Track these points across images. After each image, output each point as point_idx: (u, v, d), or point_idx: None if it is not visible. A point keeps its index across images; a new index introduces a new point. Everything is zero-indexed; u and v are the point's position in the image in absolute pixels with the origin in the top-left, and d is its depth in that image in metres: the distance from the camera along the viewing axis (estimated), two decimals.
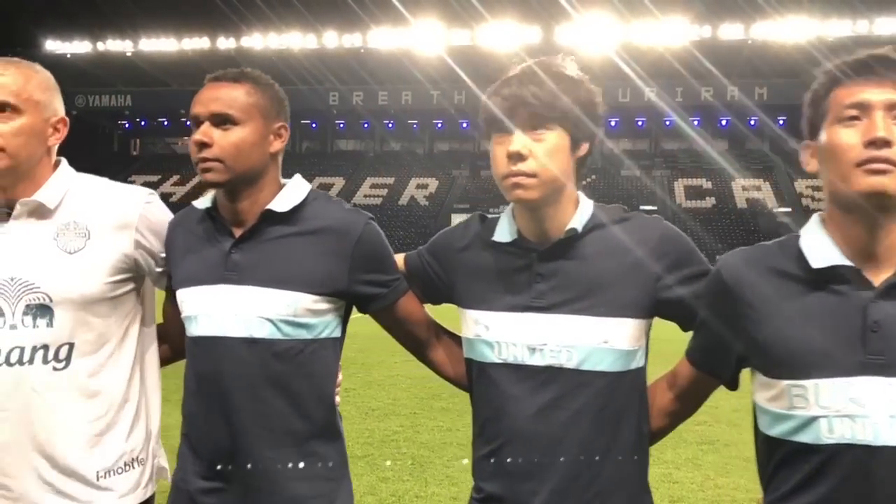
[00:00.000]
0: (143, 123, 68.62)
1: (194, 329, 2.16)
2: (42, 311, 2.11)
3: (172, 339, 2.38)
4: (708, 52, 52.61)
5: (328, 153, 67.66)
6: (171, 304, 2.33)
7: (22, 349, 2.09)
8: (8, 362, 2.08)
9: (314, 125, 66.74)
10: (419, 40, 59.26)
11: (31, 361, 2.09)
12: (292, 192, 2.21)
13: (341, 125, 66.88)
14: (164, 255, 2.27)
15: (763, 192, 54.55)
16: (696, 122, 58.94)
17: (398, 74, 61.93)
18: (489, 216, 2.17)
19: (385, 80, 62.24)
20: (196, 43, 61.91)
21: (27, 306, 2.10)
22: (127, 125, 69.61)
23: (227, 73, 2.20)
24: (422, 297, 2.25)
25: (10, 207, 2.16)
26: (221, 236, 2.18)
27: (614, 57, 51.83)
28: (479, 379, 2.06)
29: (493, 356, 2.00)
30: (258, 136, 2.15)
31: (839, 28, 54.18)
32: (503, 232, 2.06)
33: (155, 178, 61.95)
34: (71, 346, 2.12)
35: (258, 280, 2.11)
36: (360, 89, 61.74)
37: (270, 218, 2.15)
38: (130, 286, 2.25)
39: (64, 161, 2.27)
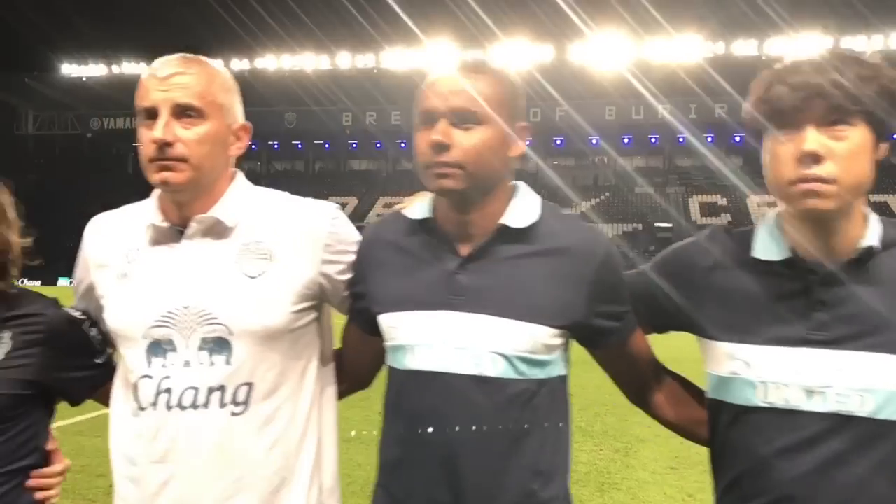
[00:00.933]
0: None
1: (408, 361, 1.80)
2: (219, 345, 1.81)
3: (353, 373, 2.07)
4: (721, 69, 52.52)
5: (341, 173, 67.85)
6: (357, 332, 2.01)
7: (196, 390, 1.80)
8: (180, 405, 1.80)
9: (327, 145, 67.00)
10: (432, 60, 59.47)
11: (206, 405, 1.80)
12: (527, 205, 1.86)
13: (354, 145, 67.07)
14: (350, 275, 1.95)
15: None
16: (709, 139, 58.76)
17: (411, 94, 61.62)
18: (736, 229, 1.87)
19: (398, 99, 62.43)
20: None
21: (203, 340, 1.81)
22: None
23: (467, 62, 1.84)
24: (645, 326, 1.93)
25: (184, 225, 1.88)
26: (443, 253, 1.82)
27: (627, 74, 51.86)
28: (732, 425, 1.74)
29: (755, 399, 1.68)
30: (502, 138, 1.81)
31: (854, 43, 54.02)
32: (768, 248, 1.74)
33: None
34: (250, 386, 1.82)
35: (491, 308, 1.75)
36: (373, 109, 61.95)
37: (504, 234, 1.81)
38: (312, 315, 1.94)
39: (240, 173, 1.99)
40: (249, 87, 61.74)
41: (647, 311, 1.89)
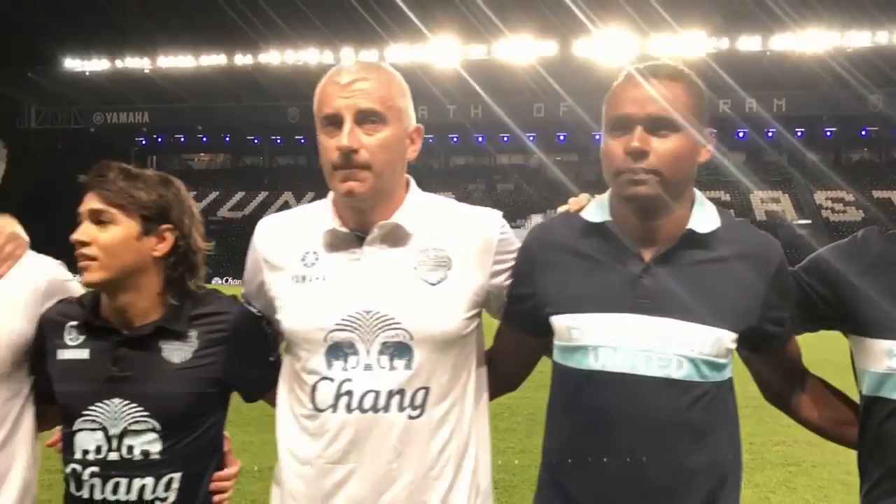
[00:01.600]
0: (159, 140, 69.12)
1: (591, 362, 1.83)
2: (400, 350, 1.85)
3: (504, 376, 2.10)
4: (726, 64, 52.39)
5: None
6: (516, 335, 2.05)
7: (377, 393, 1.85)
8: (361, 408, 1.85)
9: None
10: (436, 55, 59.42)
11: (386, 408, 1.85)
12: (709, 210, 1.89)
13: None
14: (510, 280, 2.00)
15: (782, 204, 54.14)
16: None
17: (415, 89, 61.62)
18: (890, 231, 1.91)
19: None
20: (213, 59, 62.39)
21: (384, 344, 1.86)
22: (144, 141, 70.09)
23: (659, 67, 1.86)
24: (797, 328, 1.99)
25: (362, 230, 1.93)
26: (625, 257, 1.86)
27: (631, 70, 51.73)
28: (889, 419, 1.81)
29: None
30: (693, 144, 1.85)
31: (858, 39, 53.83)
32: None
33: None
34: (427, 390, 1.87)
35: (677, 312, 1.79)
36: None
37: (689, 240, 1.85)
38: (477, 321, 2.00)
39: (412, 179, 2.03)
40: (253, 81, 61.80)
41: (801, 312, 1.94)
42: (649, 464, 1.77)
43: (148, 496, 1.96)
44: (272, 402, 2.09)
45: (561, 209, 2.06)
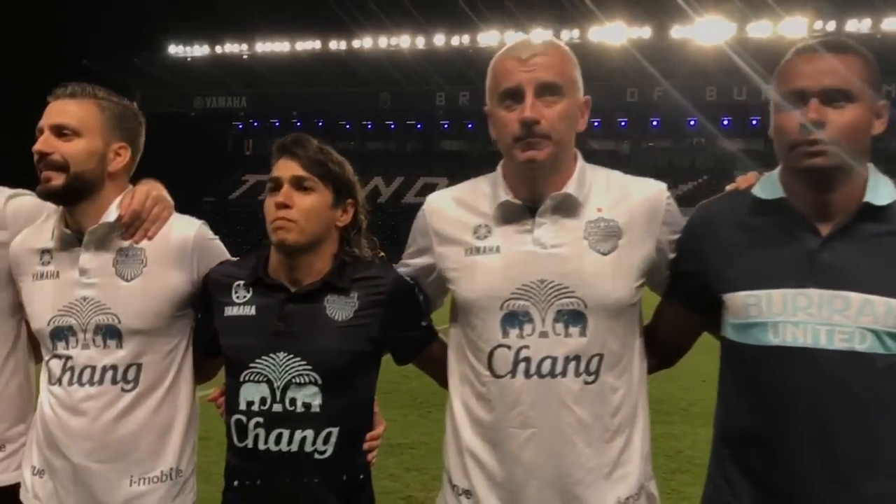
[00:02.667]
0: (255, 124, 70.85)
1: (769, 337, 1.86)
2: (575, 317, 1.93)
3: (664, 351, 2.17)
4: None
5: (433, 153, 68.18)
6: (680, 311, 2.10)
7: (554, 360, 1.93)
8: (539, 373, 1.93)
9: (419, 126, 67.37)
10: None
11: (563, 374, 1.93)
12: (884, 183, 1.90)
13: (446, 125, 67.23)
14: (674, 255, 2.06)
15: None
16: None
17: None
18: None
19: None
20: (308, 45, 63.48)
21: (558, 312, 1.93)
22: (240, 126, 72.01)
23: (830, 41, 1.88)
24: None
25: (533, 202, 1.99)
26: (800, 232, 1.87)
27: (729, 52, 50.19)
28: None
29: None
30: (869, 116, 1.86)
31: None
32: None
33: (266, 177, 63.77)
34: (601, 357, 1.95)
35: (859, 285, 1.82)
36: (466, 89, 61.87)
37: (866, 213, 1.85)
38: (642, 291, 2.06)
39: (578, 152, 2.08)
40: (346, 67, 62.66)
41: None
42: (836, 436, 1.79)
43: (308, 448, 2.05)
44: (426, 366, 2.24)
45: (729, 187, 2.10)
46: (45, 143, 2.09)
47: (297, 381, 2.05)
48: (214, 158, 58.03)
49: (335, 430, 2.06)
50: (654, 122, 60.63)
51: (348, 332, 2.08)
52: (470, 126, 64.63)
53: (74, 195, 2.13)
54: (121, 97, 2.23)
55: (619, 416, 1.98)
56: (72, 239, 2.17)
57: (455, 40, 62.23)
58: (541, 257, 1.95)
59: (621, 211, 1.98)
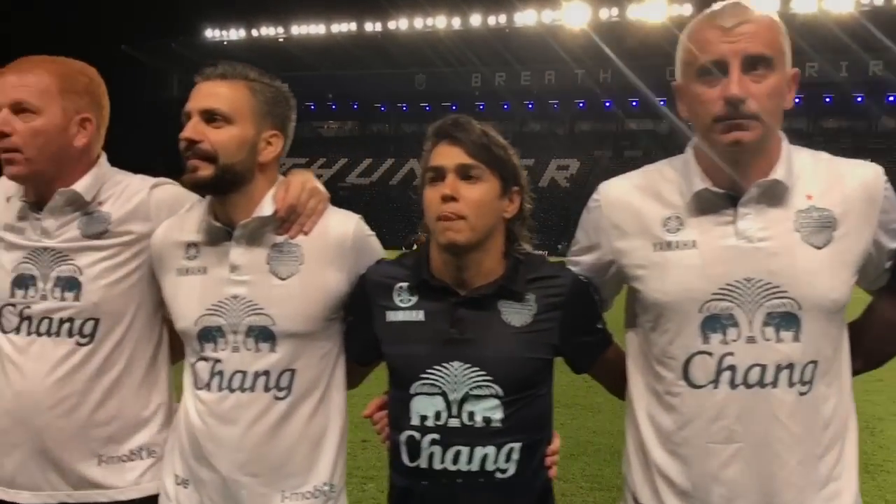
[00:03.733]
0: None
1: None
2: (787, 320, 1.73)
3: (870, 350, 2.01)
4: (878, 21, 48.85)
5: None
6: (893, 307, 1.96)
7: (763, 368, 1.73)
8: (746, 384, 1.73)
9: (454, 108, 67.21)
10: (565, 18, 58.30)
11: (774, 383, 1.73)
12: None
13: (481, 107, 67.04)
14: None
15: None
16: (858, 99, 55.05)
17: (542, 54, 61.21)
18: None
19: (528, 60, 61.65)
20: (343, 27, 63.50)
21: (768, 315, 1.73)
22: None
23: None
24: None
25: (736, 191, 1.78)
26: None
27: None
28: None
29: None
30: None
31: None
32: None
33: (303, 161, 64.09)
34: (815, 364, 1.75)
35: None
36: (502, 70, 61.54)
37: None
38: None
39: (783, 133, 1.89)
40: (381, 48, 62.58)
41: None
42: None
43: (489, 466, 1.86)
44: (601, 374, 2.06)
45: None
46: (193, 129, 1.93)
47: (476, 393, 1.87)
48: None
49: (517, 446, 1.87)
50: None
51: (529, 339, 1.89)
52: (506, 107, 64.31)
53: (223, 186, 1.96)
54: (272, 77, 2.06)
55: (832, 429, 1.79)
56: (221, 232, 2.00)
57: (491, 20, 61.80)
58: (746, 252, 1.73)
59: (835, 198, 1.76)
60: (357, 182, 60.67)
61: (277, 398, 1.96)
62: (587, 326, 2.00)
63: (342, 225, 2.04)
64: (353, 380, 2.14)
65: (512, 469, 1.87)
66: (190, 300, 2.01)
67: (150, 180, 2.19)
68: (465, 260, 1.89)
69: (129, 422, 2.12)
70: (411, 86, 62.96)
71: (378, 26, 63.43)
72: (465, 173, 1.86)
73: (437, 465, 1.87)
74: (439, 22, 62.07)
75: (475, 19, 61.55)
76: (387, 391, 2.01)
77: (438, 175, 1.88)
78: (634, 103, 59.28)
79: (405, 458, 1.91)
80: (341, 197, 43.78)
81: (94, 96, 2.12)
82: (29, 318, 2.06)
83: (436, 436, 1.87)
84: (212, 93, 1.97)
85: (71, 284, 2.05)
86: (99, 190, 2.11)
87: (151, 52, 63.18)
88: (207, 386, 1.98)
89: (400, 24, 63.04)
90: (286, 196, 2.00)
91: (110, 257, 2.08)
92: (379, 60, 64.00)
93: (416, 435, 1.88)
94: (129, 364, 2.11)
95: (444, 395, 1.87)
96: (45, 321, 2.05)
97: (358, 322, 2.04)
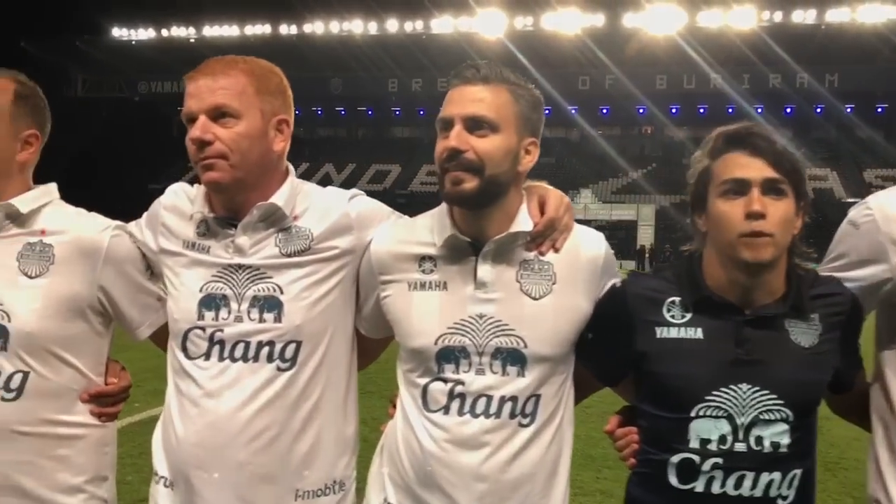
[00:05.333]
0: None
1: None
2: None
3: None
4: (778, 38, 51.10)
5: (384, 140, 67.85)
6: None
7: None
8: None
9: (370, 112, 66.94)
10: (482, 26, 58.85)
11: None
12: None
13: (397, 112, 66.94)
14: None
15: (830, 181, 52.92)
16: (758, 110, 57.48)
17: (458, 60, 61.35)
18: None
19: (444, 66, 61.96)
20: (257, 29, 62.50)
21: None
22: None
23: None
24: None
25: None
26: None
27: (680, 41, 50.77)
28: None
29: None
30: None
31: None
32: None
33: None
34: None
35: None
36: (419, 76, 61.64)
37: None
38: None
39: None
40: (297, 52, 61.82)
41: None
42: None
43: (773, 493, 1.80)
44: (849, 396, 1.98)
45: None
46: (458, 139, 1.82)
47: (766, 417, 1.79)
48: (160, 145, 56.82)
49: (799, 472, 1.82)
50: (604, 110, 61.19)
51: (816, 360, 1.82)
52: (421, 112, 64.45)
53: (485, 199, 1.85)
54: (526, 81, 1.94)
55: None
56: (465, 247, 1.90)
57: (408, 26, 61.88)
58: None
59: None
60: None
61: (522, 425, 1.87)
62: (855, 345, 1.93)
63: (594, 244, 1.96)
64: (368, 359, 2.12)
65: (792, 496, 1.82)
66: (428, 317, 1.90)
67: (344, 192, 2.09)
68: (757, 278, 1.81)
69: (326, 453, 1.99)
70: (326, 89, 62.39)
71: (293, 29, 62.68)
72: (771, 187, 1.77)
73: (716, 490, 1.79)
74: (356, 26, 61.77)
75: (392, 24, 61.52)
76: (625, 407, 1.98)
77: (740, 188, 1.78)
78: (547, 111, 60.25)
79: (673, 480, 1.83)
80: None
81: (286, 97, 2.02)
82: (221, 343, 1.92)
83: (719, 460, 1.79)
84: (476, 98, 1.85)
85: (271, 305, 1.92)
86: (294, 203, 2.00)
87: (54, 49, 60.73)
88: (445, 409, 1.87)
89: (315, 27, 62.44)
90: (546, 210, 1.92)
91: (311, 274, 1.96)
92: (294, 64, 63.28)
93: (695, 458, 1.80)
94: (325, 390, 1.98)
95: (730, 418, 1.79)
96: (241, 345, 1.91)
97: (610, 338, 1.93)
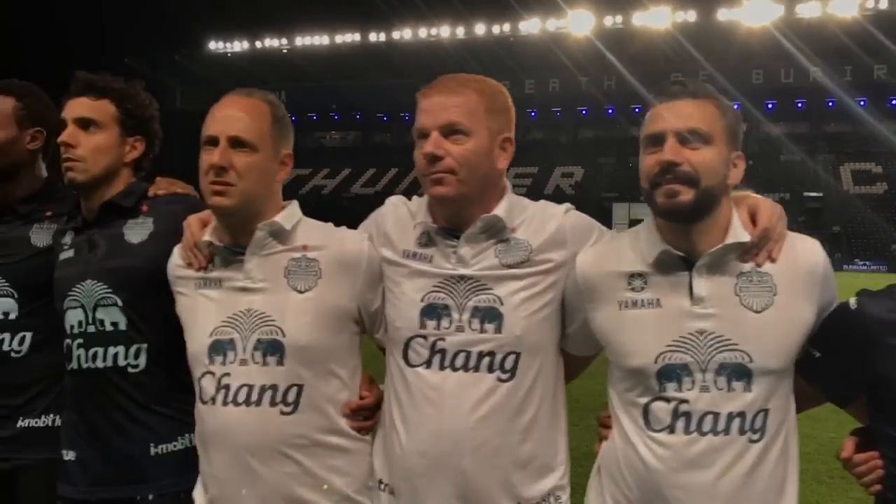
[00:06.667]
0: (293, 118, 71.17)
1: None
2: None
3: None
4: (883, 26, 48.80)
5: None
6: None
7: None
8: None
9: None
10: (570, 26, 58.37)
11: None
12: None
13: None
14: None
15: None
16: (861, 103, 54.98)
17: (546, 62, 61.25)
18: None
19: (532, 68, 61.69)
20: (347, 37, 63.65)
21: None
22: None
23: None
24: None
25: None
26: None
27: (776, 34, 49.03)
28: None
29: None
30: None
31: None
32: None
33: (307, 172, 64.26)
34: None
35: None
36: (506, 79, 61.65)
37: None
38: None
39: None
40: (385, 59, 62.65)
41: None
42: None
43: None
44: None
45: None
46: (673, 151, 1.84)
47: None
48: None
49: None
50: None
51: None
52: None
53: (700, 212, 1.86)
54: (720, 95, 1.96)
55: None
56: (677, 262, 1.90)
57: (496, 29, 61.90)
58: None
59: None
60: (361, 192, 60.65)
61: (752, 441, 1.85)
62: None
63: (812, 252, 1.92)
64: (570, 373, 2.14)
65: None
66: (644, 336, 1.89)
67: (560, 206, 2.14)
68: None
69: (543, 464, 2.02)
70: (413, 96, 63.01)
71: (382, 36, 63.56)
72: None
73: None
74: (443, 31, 62.18)
75: (479, 28, 61.67)
76: (856, 430, 1.92)
77: None
78: (637, 110, 59.17)
79: None
80: (346, 207, 43.78)
81: (510, 115, 2.10)
82: (442, 352, 1.97)
83: None
84: (686, 113, 1.87)
85: (491, 316, 1.97)
86: (513, 215, 2.05)
87: (154, 65, 63.37)
88: (670, 428, 1.86)
89: (404, 33, 63.16)
90: (759, 220, 1.91)
91: (530, 287, 1.99)
92: (382, 70, 64.13)
93: None
94: (541, 402, 2.01)
95: None
96: (462, 355, 1.96)
97: (844, 360, 1.87)
